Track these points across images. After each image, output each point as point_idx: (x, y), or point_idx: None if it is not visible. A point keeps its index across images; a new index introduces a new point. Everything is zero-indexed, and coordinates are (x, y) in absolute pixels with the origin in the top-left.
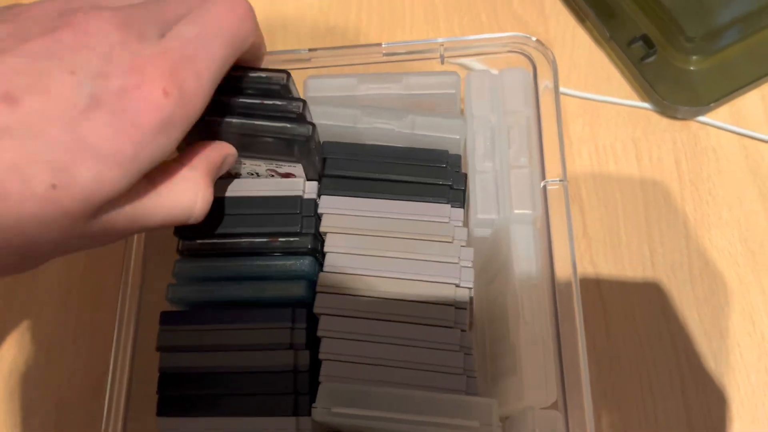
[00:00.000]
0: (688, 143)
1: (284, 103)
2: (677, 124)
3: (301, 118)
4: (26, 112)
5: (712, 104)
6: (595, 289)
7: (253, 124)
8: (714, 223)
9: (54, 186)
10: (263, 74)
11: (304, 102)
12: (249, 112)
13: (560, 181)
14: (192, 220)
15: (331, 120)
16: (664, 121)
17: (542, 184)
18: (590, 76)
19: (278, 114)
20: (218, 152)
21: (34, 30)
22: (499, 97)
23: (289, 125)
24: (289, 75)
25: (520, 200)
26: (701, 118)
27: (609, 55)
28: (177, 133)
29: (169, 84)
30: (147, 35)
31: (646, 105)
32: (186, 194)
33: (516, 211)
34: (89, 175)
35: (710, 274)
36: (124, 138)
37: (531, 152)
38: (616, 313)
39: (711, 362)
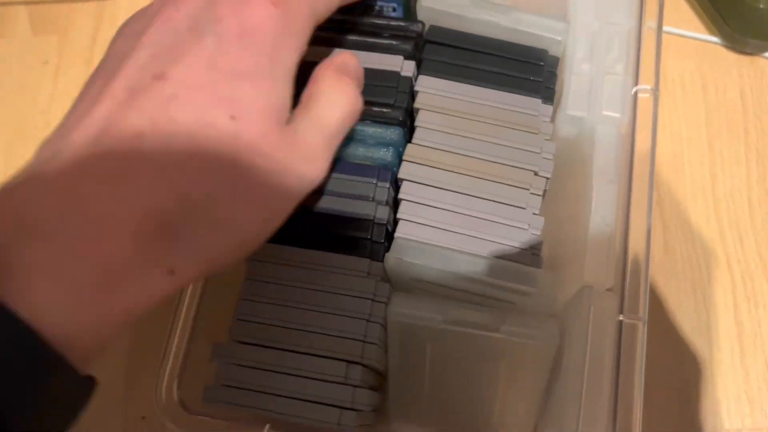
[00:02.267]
0: (755, 78)
1: None
2: (744, 59)
3: None
4: (178, 79)
5: None
6: (657, 207)
7: None
8: None
9: (233, 117)
10: None
11: None
12: None
13: (652, 89)
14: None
15: (440, 5)
16: (732, 56)
17: (634, 90)
18: None
19: None
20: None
21: (144, 22)
22: (603, 7)
23: None
24: None
25: (611, 103)
26: None
27: None
28: (295, 42)
29: None
30: None
31: (714, 39)
32: (338, 94)
33: (605, 113)
34: (252, 93)
35: None
36: (257, 55)
37: (628, 62)
38: (675, 231)
39: (765, 283)
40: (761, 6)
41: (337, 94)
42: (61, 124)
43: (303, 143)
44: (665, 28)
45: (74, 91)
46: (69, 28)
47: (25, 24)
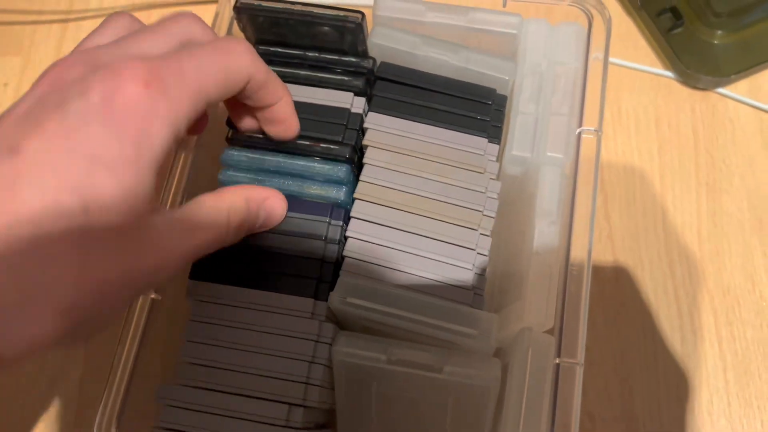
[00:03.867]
0: (707, 113)
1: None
2: (697, 95)
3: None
4: (30, 155)
5: (732, 76)
6: (608, 239)
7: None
8: (725, 189)
9: (85, 209)
10: (339, 13)
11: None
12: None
13: (595, 130)
14: (226, 244)
15: (391, 43)
16: (685, 91)
17: (578, 131)
18: (619, 43)
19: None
20: (262, 193)
21: (27, 98)
22: (552, 47)
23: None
24: (363, 16)
25: (555, 144)
26: (720, 90)
27: (638, 25)
28: (168, 128)
29: (150, 77)
30: (119, 55)
31: (669, 74)
32: (220, 216)
33: (549, 154)
34: (108, 185)
35: (717, 235)
36: (121, 140)
37: (573, 102)
38: (626, 263)
39: (711, 316)
40: (715, 42)
41: (223, 221)
42: None
43: (157, 242)
44: (622, 61)
45: None
46: (32, 49)
47: None
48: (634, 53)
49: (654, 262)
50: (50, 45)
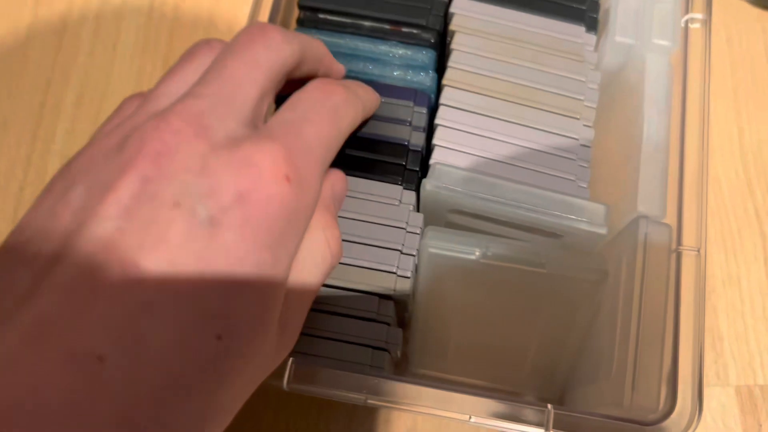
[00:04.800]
0: None
1: None
2: (767, 15)
3: None
4: (153, 277)
5: None
6: None
7: None
8: None
9: (219, 336)
10: None
11: None
12: None
13: (703, 18)
14: (337, 260)
15: None
16: (755, 11)
17: (684, 18)
18: None
19: None
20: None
21: (107, 173)
22: None
23: None
24: None
25: (661, 31)
26: None
27: None
28: (305, 222)
29: (289, 170)
30: (233, 129)
31: None
32: (318, 247)
33: (654, 41)
34: (245, 305)
35: None
36: (260, 248)
37: None
38: None
39: None
40: None
41: (327, 252)
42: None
43: (288, 333)
44: None
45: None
46: None
47: None
48: None
49: (732, 180)
50: None
